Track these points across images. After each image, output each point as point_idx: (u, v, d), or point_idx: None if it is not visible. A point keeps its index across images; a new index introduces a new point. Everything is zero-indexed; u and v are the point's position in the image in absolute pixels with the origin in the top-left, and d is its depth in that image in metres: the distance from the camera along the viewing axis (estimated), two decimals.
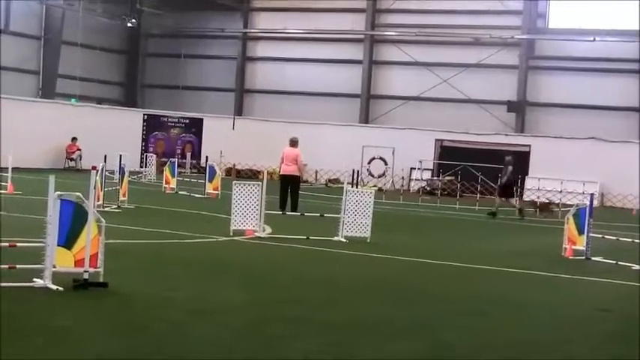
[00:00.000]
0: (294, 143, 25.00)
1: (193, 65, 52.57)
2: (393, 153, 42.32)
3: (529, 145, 42.70)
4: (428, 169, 42.92)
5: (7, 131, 37.61)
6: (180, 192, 30.64)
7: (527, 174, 40.68)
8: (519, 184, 32.60)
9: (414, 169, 42.90)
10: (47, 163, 41.40)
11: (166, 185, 31.39)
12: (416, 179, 42.02)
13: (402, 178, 41.34)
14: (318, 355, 9.03)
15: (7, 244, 12.17)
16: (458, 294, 13.44)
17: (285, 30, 50.01)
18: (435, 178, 41.58)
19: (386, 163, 43.31)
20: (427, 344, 9.79)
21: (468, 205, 32.59)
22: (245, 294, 12.20)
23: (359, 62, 48.61)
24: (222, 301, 11.57)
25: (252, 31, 51.86)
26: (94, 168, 12.58)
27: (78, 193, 11.69)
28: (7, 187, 26.19)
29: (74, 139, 42.73)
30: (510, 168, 30.34)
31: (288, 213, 22.64)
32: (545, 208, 31.66)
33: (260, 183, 18.95)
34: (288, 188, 24.65)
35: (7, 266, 11.36)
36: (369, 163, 43.50)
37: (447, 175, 40.39)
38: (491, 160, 37.84)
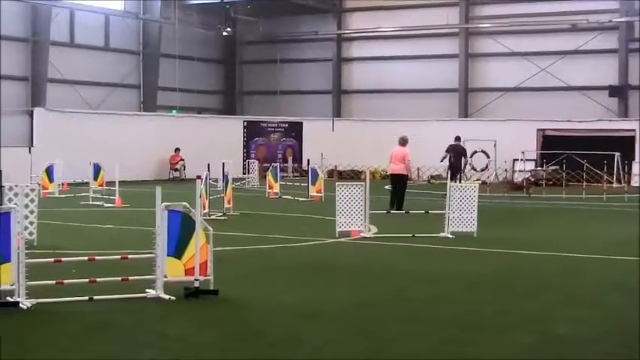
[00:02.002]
0: (403, 142, 25.08)
1: (289, 69, 52.80)
2: (494, 145, 41.83)
3: (634, 130, 41.73)
4: (531, 160, 42.27)
5: (112, 145, 38.37)
6: (283, 196, 30.79)
7: (633, 159, 39.81)
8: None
9: (517, 160, 42.31)
10: (152, 174, 42.12)
11: (270, 190, 31.56)
12: (519, 170, 41.44)
13: (505, 170, 40.76)
14: (432, 353, 8.96)
15: (119, 256, 12.39)
16: (569, 285, 13.21)
17: (379, 29, 49.87)
18: (538, 168, 40.94)
19: (488, 156, 42.82)
20: (540, 337, 9.64)
21: (575, 194, 32.01)
22: (355, 294, 12.19)
23: (455, 56, 48.20)
24: (333, 303, 11.58)
25: (346, 31, 51.85)
26: (198, 177, 12.72)
27: (184, 203, 11.83)
28: (115, 200, 26.70)
29: (177, 149, 43.35)
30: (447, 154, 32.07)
31: (392, 212, 22.57)
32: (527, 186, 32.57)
33: (363, 183, 18.90)
34: (396, 186, 24.74)
35: (120, 278, 11.56)
36: (470, 157, 43.05)
37: (551, 165, 39.71)
38: (595, 147, 37.12)
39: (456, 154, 31.55)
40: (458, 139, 32.01)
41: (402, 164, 24.74)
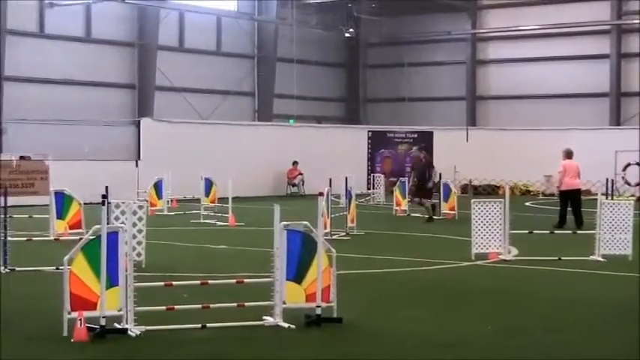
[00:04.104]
0: (571, 155, 25.95)
1: (418, 74, 52.70)
2: None
3: None
4: None
5: (225, 158, 38.87)
6: (412, 214, 30.70)
7: None
8: None
9: None
10: (268, 190, 42.48)
11: (397, 207, 31.53)
12: None
13: None
14: None
15: (234, 280, 12.54)
16: None
17: (519, 27, 49.41)
18: None
19: None
20: None
21: None
22: (494, 323, 12.08)
23: (605, 57, 47.38)
24: (470, 332, 11.52)
25: (482, 31, 51.53)
26: (320, 194, 12.80)
27: (305, 222, 11.91)
28: (228, 218, 27.02)
29: (295, 162, 43.67)
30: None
31: (556, 231, 22.38)
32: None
33: (502, 200, 18.73)
34: (568, 203, 25.44)
35: (235, 304, 11.70)
36: (624, 170, 42.20)
37: None
38: None
39: (419, 171, 28.93)
40: (420, 149, 30.12)
41: (578, 178, 25.67)
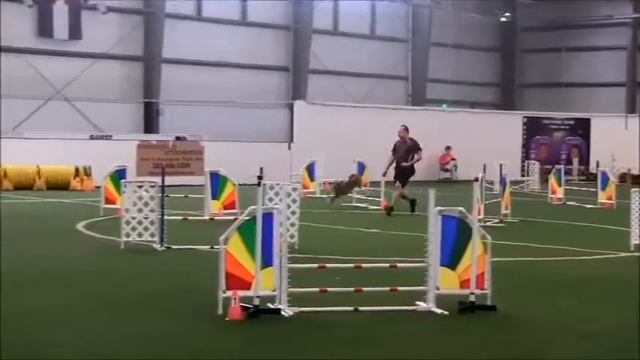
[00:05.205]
0: None
1: (577, 59, 51.85)
2: None
3: None
4: None
5: (378, 142, 38.81)
6: (568, 202, 30.28)
7: None
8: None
9: None
10: (420, 174, 42.12)
11: (552, 195, 31.13)
12: None
13: None
14: None
15: (387, 264, 12.55)
16: None
17: None
18: None
19: None
20: None
21: None
22: None
23: None
24: (619, 324, 11.29)
25: None
26: (476, 180, 12.69)
27: (460, 208, 11.82)
28: (380, 202, 27.04)
29: (448, 147, 43.47)
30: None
31: None
32: (342, 190, 27.69)
33: None
34: None
35: (388, 288, 11.70)
36: None
37: None
38: None
39: (401, 154, 26.39)
40: (406, 129, 27.30)
41: None
